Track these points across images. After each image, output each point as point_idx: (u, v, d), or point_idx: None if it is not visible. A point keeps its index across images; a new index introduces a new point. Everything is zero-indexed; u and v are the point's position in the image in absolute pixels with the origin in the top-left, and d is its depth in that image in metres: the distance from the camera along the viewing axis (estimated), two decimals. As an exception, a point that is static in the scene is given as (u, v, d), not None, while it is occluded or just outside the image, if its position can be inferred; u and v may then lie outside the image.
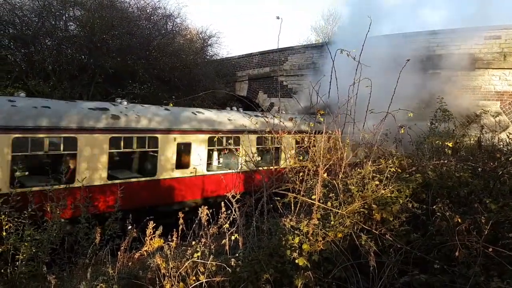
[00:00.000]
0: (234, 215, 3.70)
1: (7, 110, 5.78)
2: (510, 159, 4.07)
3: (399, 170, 3.60)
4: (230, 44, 56.05)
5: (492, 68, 9.76)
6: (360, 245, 2.76)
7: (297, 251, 2.72)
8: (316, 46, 14.93)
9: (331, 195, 3.28)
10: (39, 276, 3.69)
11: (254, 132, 8.85)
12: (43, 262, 3.85)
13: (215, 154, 9.12)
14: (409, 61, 3.93)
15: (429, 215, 3.14)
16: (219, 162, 9.25)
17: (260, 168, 8.94)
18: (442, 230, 2.84)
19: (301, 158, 4.31)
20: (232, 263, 2.74)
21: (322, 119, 3.87)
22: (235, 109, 9.82)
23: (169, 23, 16.11)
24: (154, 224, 4.14)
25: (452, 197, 3.57)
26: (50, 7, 11.72)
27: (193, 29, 21.04)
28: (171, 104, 8.87)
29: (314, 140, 4.39)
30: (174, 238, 3.43)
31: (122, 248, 3.88)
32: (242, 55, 18.20)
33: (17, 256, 3.64)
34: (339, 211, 3.00)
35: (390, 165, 3.47)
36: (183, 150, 7.81)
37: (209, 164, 8.46)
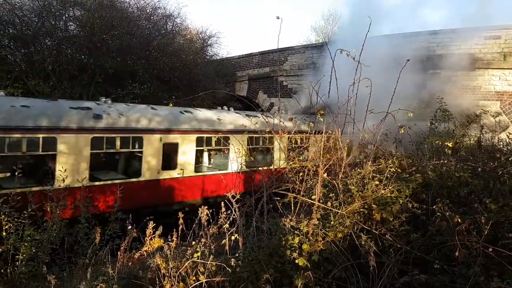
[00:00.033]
0: (234, 215, 3.70)
1: None
2: (510, 159, 4.07)
3: (399, 170, 3.60)
4: (230, 44, 56.09)
5: (492, 68, 9.76)
6: (360, 245, 2.76)
7: (297, 251, 2.72)
8: (316, 46, 14.93)
9: (331, 195, 3.28)
10: (39, 276, 3.69)
11: (245, 132, 8.67)
12: (43, 262, 3.85)
13: (205, 154, 8.96)
14: (409, 61, 3.93)
15: (429, 215, 3.14)
16: (209, 162, 9.08)
17: (250, 169, 8.90)
18: (442, 230, 2.84)
19: (301, 158, 4.30)
20: (232, 263, 2.74)
21: (322, 119, 3.86)
22: (226, 108, 9.66)
23: (169, 23, 16.12)
24: (154, 224, 4.14)
25: (452, 197, 3.57)
26: (50, 7, 11.72)
27: (193, 29, 21.06)
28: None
29: (314, 140, 4.39)
30: (174, 238, 3.43)
31: (122, 248, 3.88)
32: (242, 55, 18.20)
33: (17, 256, 3.64)
34: (339, 211, 3.00)
35: (390, 165, 3.47)
36: (170, 151, 7.57)
37: (197, 165, 8.25)
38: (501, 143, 6.82)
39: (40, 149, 5.93)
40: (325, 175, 3.37)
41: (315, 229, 2.90)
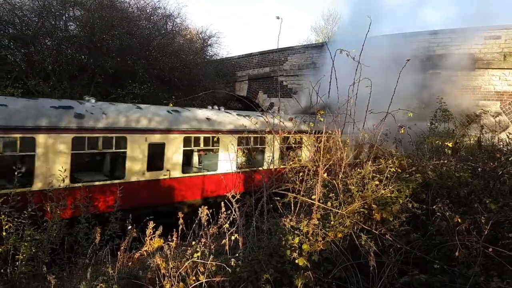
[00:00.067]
0: (234, 215, 3.70)
1: None
2: (510, 159, 4.07)
3: (399, 170, 3.60)
4: (230, 44, 56.10)
5: (492, 68, 9.77)
6: (360, 245, 2.76)
7: (297, 251, 2.72)
8: (316, 46, 14.94)
9: (331, 195, 3.28)
10: (39, 276, 3.69)
11: (235, 131, 8.48)
12: (43, 262, 3.85)
13: (193, 155, 8.66)
14: (409, 61, 3.93)
15: (429, 215, 3.14)
16: (197, 163, 8.78)
17: (240, 170, 8.82)
18: (442, 230, 2.84)
19: (295, 159, 4.29)
20: (232, 263, 2.74)
21: (322, 119, 3.86)
22: (216, 107, 9.43)
23: (169, 23, 16.13)
24: (154, 224, 4.14)
25: (452, 197, 3.57)
26: (50, 7, 11.72)
27: (193, 29, 21.07)
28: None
29: (314, 140, 4.39)
30: (174, 238, 3.43)
31: (122, 248, 3.88)
32: (242, 55, 18.20)
33: (17, 256, 3.64)
34: (339, 211, 3.00)
35: (390, 165, 3.47)
36: (156, 151, 7.32)
37: (185, 165, 7.93)
38: (501, 143, 6.83)
39: (18, 150, 5.68)
40: (325, 175, 3.37)
41: (315, 229, 2.89)
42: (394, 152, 4.65)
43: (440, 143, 5.53)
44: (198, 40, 20.23)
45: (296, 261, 2.61)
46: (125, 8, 14.29)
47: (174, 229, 3.61)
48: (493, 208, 2.97)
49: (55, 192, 4.87)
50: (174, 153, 7.51)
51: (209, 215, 3.78)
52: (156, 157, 7.33)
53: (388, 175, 3.30)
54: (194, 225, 3.83)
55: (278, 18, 4.00)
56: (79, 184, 6.11)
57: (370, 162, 3.65)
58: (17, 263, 3.61)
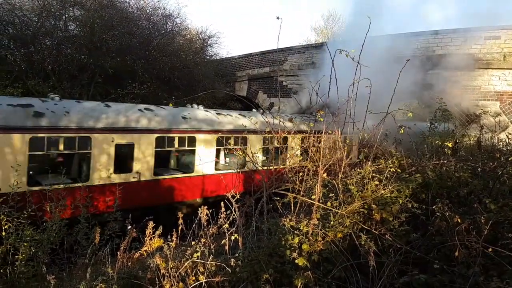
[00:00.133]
0: (233, 215, 3.69)
1: None
2: (509, 159, 4.07)
3: (399, 170, 3.60)
4: (230, 44, 56.09)
5: (491, 68, 9.77)
6: (360, 245, 2.76)
7: (296, 251, 2.72)
8: (316, 46, 14.94)
9: (330, 195, 3.29)
10: (38, 276, 3.69)
11: (213, 131, 8.07)
12: (43, 262, 3.84)
13: (166, 156, 8.24)
14: (409, 61, 3.93)
15: (428, 215, 3.14)
16: (172, 164, 8.38)
17: (220, 172, 8.63)
18: (441, 230, 2.84)
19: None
20: (232, 263, 2.74)
21: (321, 119, 3.86)
22: (195, 106, 8.90)
23: (169, 23, 16.13)
24: (154, 225, 4.13)
25: (452, 197, 3.58)
26: (50, 7, 11.72)
27: (193, 29, 21.08)
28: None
29: (314, 140, 4.39)
30: (174, 238, 3.43)
31: (122, 248, 3.88)
32: (242, 55, 18.21)
33: (16, 256, 3.64)
34: (339, 211, 3.00)
35: (390, 165, 3.47)
36: (124, 152, 6.88)
37: (157, 167, 7.44)
38: (501, 143, 6.83)
39: None
40: (324, 175, 3.37)
41: (315, 229, 2.90)
42: (394, 152, 4.66)
43: (440, 143, 5.54)
44: (198, 40, 20.24)
45: (296, 261, 2.61)
46: (125, 8, 14.29)
47: (174, 229, 3.61)
48: (492, 208, 2.97)
49: (7, 196, 4.34)
50: (145, 155, 7.04)
51: (209, 215, 3.78)
52: (124, 158, 6.88)
53: (388, 175, 3.30)
54: (194, 225, 3.83)
55: (278, 18, 4.00)
56: (37, 188, 5.63)
57: (370, 162, 3.65)
58: (17, 263, 3.61)
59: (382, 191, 3.12)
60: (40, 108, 6.10)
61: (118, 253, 3.76)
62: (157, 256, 2.88)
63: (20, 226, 3.87)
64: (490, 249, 2.45)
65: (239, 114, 9.19)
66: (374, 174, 3.40)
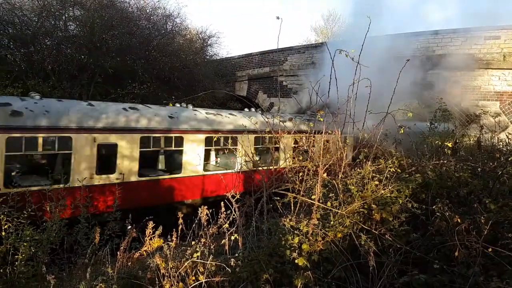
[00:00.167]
0: (233, 215, 3.69)
1: None
2: (509, 159, 4.07)
3: (399, 170, 3.60)
4: (230, 44, 56.12)
5: (491, 69, 9.78)
6: (360, 245, 2.76)
7: (296, 251, 2.72)
8: (316, 46, 14.95)
9: (330, 195, 3.29)
10: (38, 276, 3.69)
11: (202, 131, 7.85)
12: (43, 262, 3.84)
13: (153, 156, 7.93)
14: (408, 61, 3.93)
15: (428, 215, 3.14)
16: (159, 165, 8.04)
17: (216, 172, 8.44)
18: (441, 230, 2.84)
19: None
20: (232, 263, 2.74)
21: (321, 119, 3.86)
22: (184, 105, 8.66)
23: (169, 23, 16.13)
24: (154, 224, 4.13)
25: (452, 197, 3.58)
26: (50, 7, 11.72)
27: (193, 29, 21.09)
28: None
29: (313, 140, 4.39)
30: (174, 238, 3.43)
31: (122, 248, 3.88)
32: (242, 55, 18.21)
33: (16, 256, 3.64)
34: (339, 211, 3.00)
35: (390, 165, 3.47)
36: (107, 153, 6.69)
37: (143, 168, 7.20)
38: (501, 143, 6.84)
39: None
40: (324, 175, 3.37)
41: (315, 229, 2.90)
42: (393, 152, 4.66)
43: (439, 143, 5.54)
44: (198, 40, 20.25)
45: (296, 261, 2.61)
46: (125, 8, 14.30)
47: (174, 229, 3.61)
48: (492, 208, 2.97)
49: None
50: (129, 155, 6.81)
51: (209, 215, 3.78)
52: (107, 159, 6.68)
53: (388, 175, 3.31)
54: (194, 225, 3.83)
55: (278, 18, 4.00)
56: (16, 190, 5.34)
57: (369, 162, 3.65)
58: (17, 263, 3.61)
59: (382, 191, 3.12)
60: (18, 107, 5.91)
61: (118, 253, 3.76)
62: (157, 256, 2.88)
63: (20, 226, 3.88)
64: (490, 249, 2.46)
65: (230, 114, 9.01)
66: (374, 174, 3.40)
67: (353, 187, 3.24)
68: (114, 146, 6.69)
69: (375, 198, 3.08)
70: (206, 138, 7.91)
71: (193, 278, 2.73)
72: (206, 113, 8.50)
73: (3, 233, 3.80)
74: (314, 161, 3.81)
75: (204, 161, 8.05)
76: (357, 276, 2.59)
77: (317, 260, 2.68)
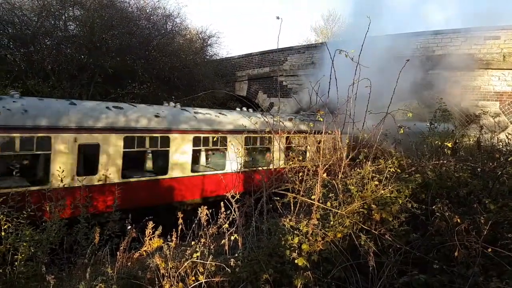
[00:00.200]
0: (233, 215, 3.70)
1: None
2: (509, 159, 4.08)
3: (399, 170, 3.60)
4: (230, 44, 56.14)
5: (491, 69, 9.78)
6: (360, 245, 2.76)
7: (296, 251, 2.73)
8: (316, 46, 14.95)
9: (330, 195, 3.29)
10: (38, 276, 3.68)
11: (190, 131, 7.59)
12: (42, 262, 3.84)
13: (138, 157, 7.72)
14: (408, 61, 3.93)
15: (428, 215, 3.15)
16: (146, 166, 7.87)
17: (205, 173, 8.20)
18: (441, 230, 2.84)
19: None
20: (232, 263, 2.74)
21: (321, 119, 3.86)
22: (172, 104, 8.37)
23: (169, 23, 16.13)
24: (154, 225, 4.13)
25: (452, 197, 3.58)
26: (50, 7, 11.71)
27: (193, 29, 21.09)
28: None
29: (314, 140, 4.38)
30: (174, 238, 3.43)
31: (121, 248, 3.88)
32: (242, 55, 18.22)
33: (15, 256, 3.64)
34: (339, 211, 3.00)
35: (390, 165, 3.47)
36: (89, 153, 6.46)
37: (127, 169, 6.97)
38: (501, 143, 6.84)
39: None
40: (324, 175, 3.37)
41: (315, 229, 2.90)
42: (393, 152, 4.66)
43: (439, 143, 5.54)
44: (198, 40, 20.25)
45: (296, 261, 2.61)
46: (125, 8, 14.29)
47: (174, 229, 3.61)
48: (492, 208, 2.98)
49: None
50: (112, 156, 6.57)
51: (209, 215, 3.78)
52: (88, 160, 6.46)
53: (388, 175, 3.31)
54: (194, 225, 3.83)
55: (278, 18, 4.00)
56: None
57: (369, 162, 3.66)
58: (16, 263, 3.60)
59: (382, 191, 3.13)
60: None
61: (118, 253, 3.76)
62: (157, 256, 2.88)
63: (19, 226, 3.87)
64: (489, 249, 2.46)
65: (220, 113, 8.76)
66: (374, 174, 3.40)
67: (353, 187, 3.24)
68: (96, 147, 6.44)
69: (375, 198, 3.08)
70: (194, 138, 7.70)
71: (193, 278, 2.73)
72: (195, 112, 8.22)
73: (3, 233, 3.80)
74: (314, 161, 3.81)
75: (192, 161, 7.78)
76: (357, 276, 2.59)
77: (317, 260, 2.68)
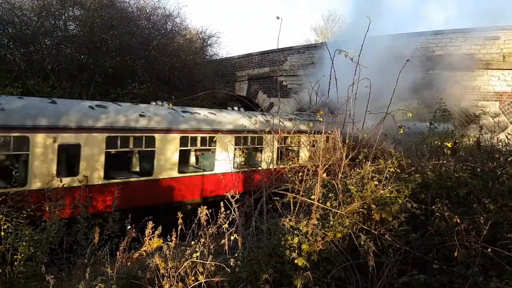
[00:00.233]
0: (233, 215, 3.70)
1: None
2: (509, 159, 4.08)
3: (398, 170, 3.61)
4: (230, 44, 56.13)
5: (491, 69, 9.79)
6: (359, 245, 2.76)
7: (296, 251, 2.73)
8: (316, 46, 14.95)
9: (330, 195, 3.29)
10: (37, 276, 3.68)
11: (175, 131, 7.36)
12: (42, 262, 3.84)
13: (122, 157, 7.52)
14: (408, 61, 3.94)
15: (428, 215, 3.15)
16: (131, 167, 7.68)
17: (192, 175, 7.61)
18: (441, 230, 2.84)
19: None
20: (231, 263, 2.74)
21: (321, 119, 3.87)
22: (160, 103, 8.18)
23: (169, 23, 16.13)
24: (154, 225, 4.13)
25: (451, 197, 3.58)
26: (50, 7, 11.71)
27: (193, 29, 21.09)
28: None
29: (314, 140, 4.39)
30: (173, 238, 3.43)
31: (121, 248, 3.88)
32: (242, 55, 18.22)
33: (15, 256, 3.64)
34: (338, 211, 3.00)
35: (389, 165, 3.48)
36: (69, 154, 6.28)
37: (110, 170, 6.73)
38: (500, 143, 6.84)
39: None
40: (324, 175, 3.37)
41: (315, 229, 2.90)
42: (393, 152, 4.66)
43: (439, 143, 5.54)
44: (198, 40, 20.25)
45: (296, 261, 2.61)
46: (125, 8, 14.29)
47: (173, 229, 3.61)
48: (492, 209, 2.98)
49: None
50: (93, 156, 6.37)
51: (208, 215, 3.78)
52: (69, 160, 6.28)
53: (388, 175, 3.31)
54: (194, 225, 3.83)
55: (278, 18, 4.01)
56: None
57: (369, 162, 3.66)
58: (16, 263, 3.60)
59: (382, 191, 3.13)
60: None
61: (118, 253, 3.76)
62: (157, 256, 2.88)
63: (19, 226, 3.87)
64: (489, 249, 2.46)
65: (209, 113, 8.54)
66: (373, 174, 3.40)
67: (352, 187, 3.24)
68: (77, 147, 6.23)
69: (374, 198, 3.08)
70: (182, 138, 7.47)
71: (193, 278, 2.73)
72: (183, 111, 8.01)
73: (2, 233, 3.80)
74: (314, 161, 3.81)
75: (179, 162, 7.52)
76: (357, 276, 2.59)
77: (316, 260, 2.68)
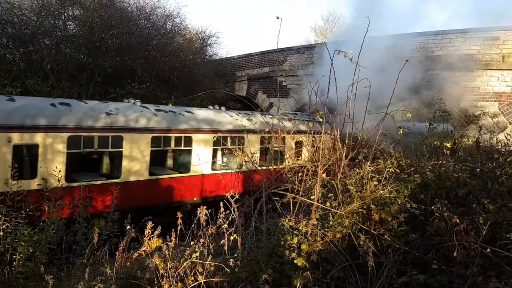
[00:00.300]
0: (233, 215, 3.69)
1: None
2: (508, 160, 4.08)
3: (398, 171, 3.61)
4: (230, 44, 56.13)
5: (490, 69, 9.80)
6: (359, 245, 2.76)
7: (295, 251, 2.73)
8: (315, 46, 14.96)
9: (330, 195, 3.29)
10: (36, 276, 3.68)
11: (146, 130, 6.91)
12: (41, 262, 3.83)
13: (89, 159, 7.01)
14: (408, 61, 3.94)
15: (427, 216, 3.15)
16: (101, 169, 7.09)
17: (166, 177, 7.29)
18: (440, 230, 2.85)
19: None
20: (231, 263, 2.74)
21: (321, 119, 3.87)
22: (132, 100, 7.66)
23: (168, 23, 16.12)
24: (153, 225, 4.13)
25: (451, 197, 3.58)
26: (49, 6, 11.70)
27: (193, 29, 21.08)
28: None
29: (314, 141, 4.38)
30: (173, 238, 3.42)
31: (120, 248, 3.87)
32: (242, 55, 18.22)
33: (14, 256, 3.63)
34: (338, 211, 3.00)
35: (389, 166, 3.48)
36: (26, 155, 5.85)
37: (72, 172, 6.33)
38: (500, 144, 6.85)
39: None
40: (324, 175, 3.37)
41: (314, 229, 2.90)
42: (393, 153, 4.66)
43: (438, 143, 5.55)
44: (197, 40, 20.24)
45: (295, 261, 2.62)
46: (125, 8, 14.27)
47: (173, 229, 3.61)
48: (491, 209, 2.98)
49: None
50: (54, 158, 5.92)
51: (208, 215, 3.78)
52: (25, 162, 5.84)
53: (387, 176, 3.31)
54: (193, 225, 3.83)
55: (278, 18, 4.01)
56: None
57: (369, 162, 3.66)
58: (15, 263, 3.60)
59: (381, 192, 3.13)
60: None
61: (117, 253, 3.75)
62: (156, 256, 2.88)
63: (18, 226, 3.87)
64: (488, 250, 2.46)
65: (186, 111, 7.99)
66: (373, 175, 3.40)
67: (352, 187, 3.24)
68: (35, 147, 5.81)
69: (374, 198, 3.08)
70: (153, 138, 7.02)
71: (192, 278, 2.73)
72: (156, 109, 7.48)
73: (1, 233, 3.79)
74: (313, 161, 3.81)
75: (151, 164, 7.06)
76: (356, 276, 2.59)
77: (316, 260, 2.68)
